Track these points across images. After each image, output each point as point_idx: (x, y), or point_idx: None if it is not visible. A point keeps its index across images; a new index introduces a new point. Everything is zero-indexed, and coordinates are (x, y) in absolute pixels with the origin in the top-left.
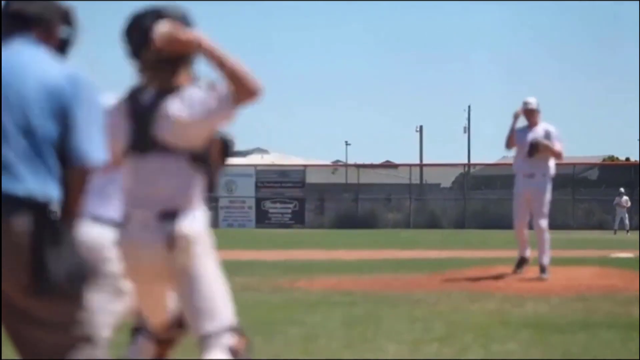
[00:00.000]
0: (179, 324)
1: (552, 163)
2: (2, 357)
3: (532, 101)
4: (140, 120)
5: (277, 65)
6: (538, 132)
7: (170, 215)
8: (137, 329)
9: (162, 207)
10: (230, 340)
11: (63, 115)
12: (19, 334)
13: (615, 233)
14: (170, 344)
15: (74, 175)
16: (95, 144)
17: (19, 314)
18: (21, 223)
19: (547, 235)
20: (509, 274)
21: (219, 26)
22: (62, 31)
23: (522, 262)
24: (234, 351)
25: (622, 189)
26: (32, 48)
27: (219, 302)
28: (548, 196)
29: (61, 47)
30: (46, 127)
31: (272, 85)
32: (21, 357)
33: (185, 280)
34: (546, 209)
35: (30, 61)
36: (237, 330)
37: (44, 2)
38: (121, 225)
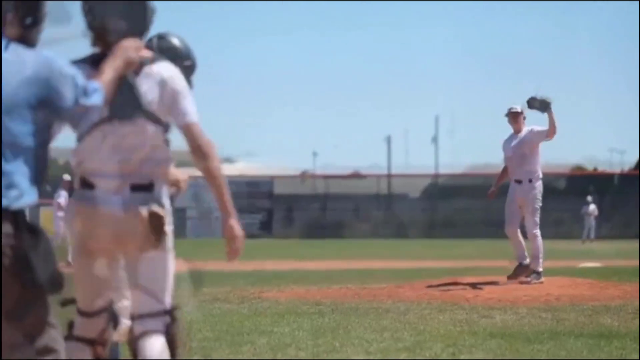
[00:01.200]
0: (114, 325)
1: (539, 167)
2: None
3: (517, 106)
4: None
5: (248, 74)
6: (523, 136)
7: (145, 187)
8: (71, 325)
9: (137, 178)
10: (167, 322)
11: (50, 98)
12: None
13: (583, 243)
14: (104, 345)
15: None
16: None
17: None
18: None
19: (539, 242)
20: (477, 284)
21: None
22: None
23: (520, 268)
24: (171, 334)
25: (589, 198)
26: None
27: (166, 286)
28: (537, 203)
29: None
30: (23, 132)
31: (241, 93)
32: None
33: (143, 256)
34: (536, 215)
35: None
36: (174, 314)
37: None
38: (82, 192)
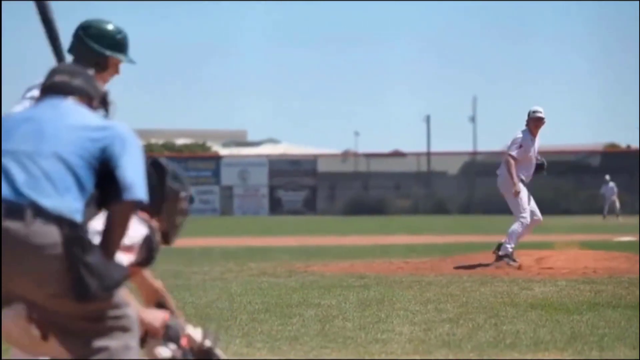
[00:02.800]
0: None
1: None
2: (2, 357)
3: (541, 110)
4: None
5: (289, 57)
6: (537, 143)
7: None
8: None
9: None
10: None
11: (103, 158)
12: (51, 324)
13: (604, 218)
14: None
15: (122, 209)
16: (139, 182)
17: (49, 313)
18: (52, 234)
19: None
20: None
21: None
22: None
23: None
24: None
25: (607, 176)
26: (72, 104)
27: None
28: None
29: None
30: (75, 161)
31: (283, 78)
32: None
33: None
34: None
35: (70, 108)
36: None
37: (87, 78)
38: None
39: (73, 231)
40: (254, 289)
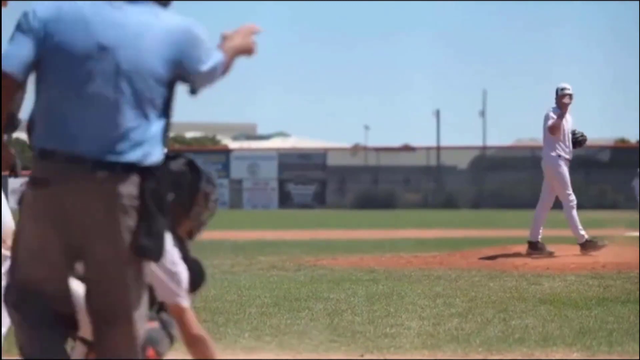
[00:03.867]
0: None
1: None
2: (2, 358)
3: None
4: None
5: (299, 52)
6: (570, 120)
7: None
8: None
9: None
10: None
11: (180, 62)
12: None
13: None
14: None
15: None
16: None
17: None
18: (126, 187)
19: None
20: (525, 253)
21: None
22: None
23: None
24: None
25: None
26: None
27: None
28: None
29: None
30: (157, 94)
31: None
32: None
33: None
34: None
35: (143, 19)
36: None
37: None
38: None
39: (153, 184)
40: (263, 282)
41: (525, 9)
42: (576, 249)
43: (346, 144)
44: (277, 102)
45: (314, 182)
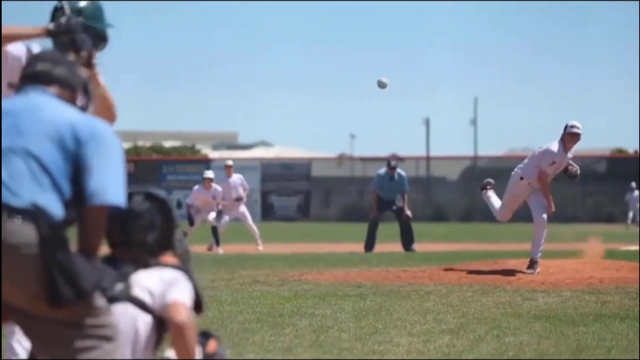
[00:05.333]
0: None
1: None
2: (2, 358)
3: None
4: None
5: (281, 58)
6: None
7: None
8: None
9: None
10: (203, 351)
11: (78, 157)
12: (32, 332)
13: (627, 228)
14: None
15: (92, 213)
16: (114, 185)
17: (30, 318)
18: (26, 233)
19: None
20: (518, 268)
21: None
22: (79, 100)
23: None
24: (211, 356)
25: (633, 184)
26: (51, 97)
27: None
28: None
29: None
30: (52, 156)
31: (274, 77)
32: (35, 349)
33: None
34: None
35: (48, 103)
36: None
37: (69, 67)
38: None
39: (49, 230)
40: (245, 297)
41: (518, 13)
42: (574, 264)
43: (331, 153)
44: (259, 109)
45: (297, 193)
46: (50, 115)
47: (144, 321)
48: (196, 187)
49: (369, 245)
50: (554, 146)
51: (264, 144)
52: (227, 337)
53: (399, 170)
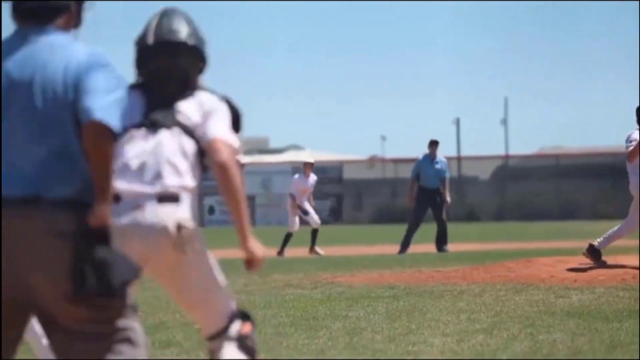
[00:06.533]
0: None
1: None
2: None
3: None
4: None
5: (311, 61)
6: None
7: (173, 199)
8: None
9: (164, 188)
10: (238, 328)
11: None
12: (56, 344)
13: None
14: None
15: (88, 136)
16: (109, 109)
17: (54, 325)
18: (60, 224)
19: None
20: (551, 266)
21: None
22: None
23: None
24: (243, 338)
25: None
26: (58, 36)
27: (218, 291)
28: None
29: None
30: (72, 121)
31: (304, 80)
32: None
33: (181, 272)
34: None
35: (58, 47)
36: (239, 315)
37: None
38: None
39: (83, 219)
40: (278, 301)
41: (547, 13)
42: (607, 260)
43: (362, 155)
44: (290, 114)
45: (329, 196)
46: (62, 66)
47: (190, 145)
48: (296, 175)
49: (405, 245)
50: (634, 133)
51: (295, 147)
52: (261, 342)
53: (440, 157)
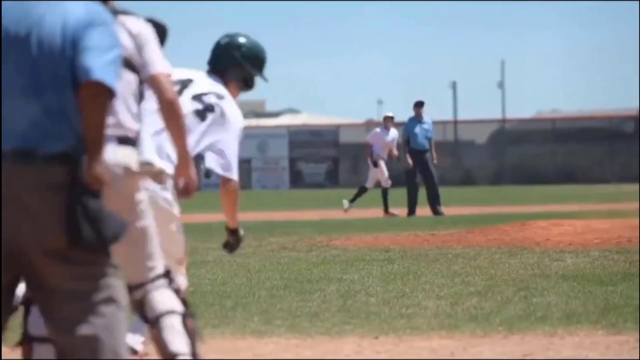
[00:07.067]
0: None
1: None
2: (2, 357)
3: None
4: None
5: (308, 24)
6: None
7: (131, 141)
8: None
9: (121, 130)
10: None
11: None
12: (42, 305)
13: None
14: None
15: (86, 95)
16: (108, 68)
17: (39, 285)
18: (54, 177)
19: None
20: (546, 229)
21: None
22: None
23: None
24: (177, 291)
25: None
26: None
27: (155, 251)
28: None
29: None
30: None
31: (301, 44)
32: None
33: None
34: None
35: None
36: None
37: None
38: None
39: (77, 171)
40: (273, 264)
41: None
42: (602, 224)
43: (359, 119)
44: (286, 77)
45: (326, 160)
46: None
47: (128, 80)
48: (377, 129)
49: (412, 208)
50: None
51: (291, 111)
52: (255, 304)
53: (426, 117)
